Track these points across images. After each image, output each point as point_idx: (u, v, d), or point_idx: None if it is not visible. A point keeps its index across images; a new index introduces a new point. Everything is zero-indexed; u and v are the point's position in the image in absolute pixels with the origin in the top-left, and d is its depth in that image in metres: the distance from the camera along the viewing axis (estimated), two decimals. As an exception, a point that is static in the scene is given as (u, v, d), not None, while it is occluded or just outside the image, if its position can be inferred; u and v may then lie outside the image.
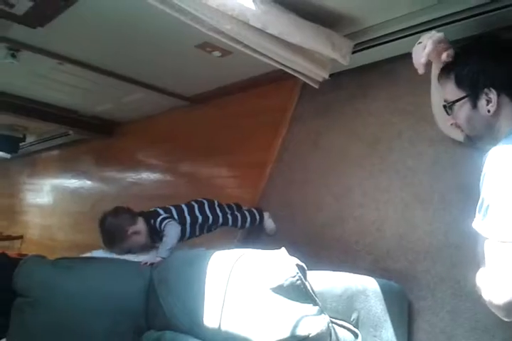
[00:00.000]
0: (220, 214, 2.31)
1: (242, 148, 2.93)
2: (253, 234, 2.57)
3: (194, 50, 2.43)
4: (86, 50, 2.67)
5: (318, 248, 2.22)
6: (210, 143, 3.29)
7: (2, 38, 2.44)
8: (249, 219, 2.42)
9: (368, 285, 1.70)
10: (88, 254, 2.11)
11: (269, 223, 2.49)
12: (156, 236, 2.13)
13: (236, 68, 2.67)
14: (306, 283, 1.36)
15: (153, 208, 2.23)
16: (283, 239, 2.41)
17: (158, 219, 2.11)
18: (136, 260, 2.03)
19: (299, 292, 1.33)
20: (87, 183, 4.83)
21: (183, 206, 2.24)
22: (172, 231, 2.06)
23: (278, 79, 2.66)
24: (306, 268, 1.43)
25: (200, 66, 2.71)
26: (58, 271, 1.82)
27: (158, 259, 1.96)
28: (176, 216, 2.18)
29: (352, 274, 1.72)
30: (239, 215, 2.39)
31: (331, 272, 1.70)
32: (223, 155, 3.10)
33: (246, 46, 1.88)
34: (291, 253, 2.27)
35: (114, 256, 2.05)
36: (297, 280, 1.33)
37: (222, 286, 1.46)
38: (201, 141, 3.39)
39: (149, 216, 2.14)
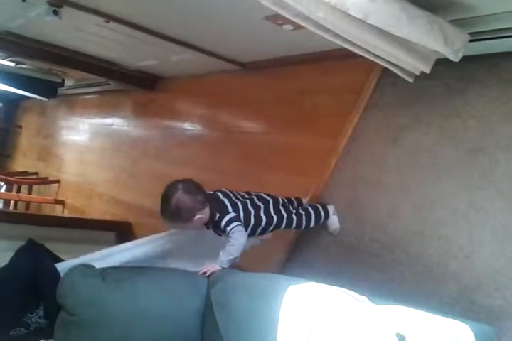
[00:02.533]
0: (284, 216, 2.03)
1: (303, 129, 2.62)
2: (311, 233, 2.32)
3: (261, 21, 2.12)
4: (136, 10, 2.42)
5: (390, 262, 1.97)
6: (263, 115, 2.98)
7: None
8: (313, 218, 2.12)
9: (460, 335, 1.45)
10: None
11: (333, 221, 2.21)
12: (215, 229, 1.90)
13: (305, 41, 2.33)
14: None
15: (218, 193, 1.94)
16: (346, 244, 2.16)
17: (225, 220, 1.84)
18: (191, 267, 1.84)
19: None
20: (126, 136, 4.61)
21: (249, 206, 1.95)
22: (240, 240, 1.81)
23: (352, 56, 2.29)
24: (405, 336, 1.18)
25: (264, 36, 2.42)
26: (107, 286, 1.62)
27: (218, 268, 1.76)
28: (242, 216, 1.89)
29: (444, 319, 1.47)
30: (303, 214, 2.10)
31: (420, 314, 1.46)
32: (280, 132, 2.80)
33: (336, 35, 1.55)
34: (355, 263, 2.11)
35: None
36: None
37: (299, 343, 1.24)
38: (253, 110, 3.09)
39: (216, 206, 1.87)
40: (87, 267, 1.69)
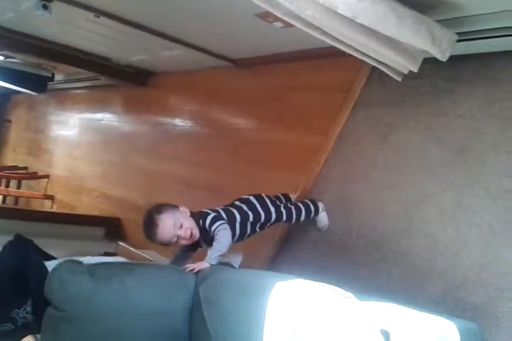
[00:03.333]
0: (272, 210, 2.04)
1: (293, 126, 2.62)
2: (300, 229, 2.33)
3: (253, 18, 2.12)
4: (127, 5, 2.41)
5: (378, 259, 1.99)
6: (253, 111, 2.99)
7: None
8: (303, 212, 2.14)
9: (446, 332, 1.47)
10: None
11: (322, 217, 2.23)
12: (204, 237, 1.90)
13: (295, 39, 2.34)
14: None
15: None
16: (334, 240, 2.18)
17: (208, 219, 1.86)
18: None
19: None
20: (116, 131, 4.59)
21: (230, 208, 1.99)
22: (225, 236, 1.82)
23: (342, 54, 2.30)
24: (389, 333, 1.20)
25: (255, 33, 2.43)
26: (95, 282, 1.60)
27: (207, 265, 1.76)
28: (223, 214, 1.93)
29: (430, 316, 1.48)
30: (293, 208, 2.11)
31: (406, 311, 1.47)
32: (270, 129, 2.80)
33: (324, 33, 1.55)
34: (343, 259, 2.13)
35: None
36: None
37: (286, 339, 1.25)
38: (243, 107, 3.10)
39: (198, 216, 1.90)
40: (75, 263, 1.68)
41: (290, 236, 2.38)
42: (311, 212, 2.17)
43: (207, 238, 1.88)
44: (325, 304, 1.29)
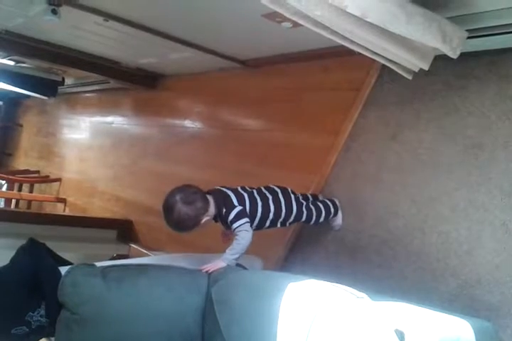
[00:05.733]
0: (294, 208, 2.00)
1: (304, 126, 2.61)
2: (312, 229, 2.32)
3: (260, 18, 2.11)
4: (135, 9, 2.42)
5: (390, 258, 1.98)
6: (263, 112, 2.98)
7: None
8: (323, 213, 2.11)
9: (461, 332, 1.46)
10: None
11: (339, 217, 2.21)
12: (222, 222, 1.88)
13: (304, 39, 2.33)
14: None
15: (224, 188, 1.93)
16: (347, 240, 2.17)
17: (232, 215, 1.81)
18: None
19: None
20: (127, 134, 4.61)
21: (256, 195, 1.93)
22: (245, 238, 1.79)
23: (351, 53, 2.29)
24: (404, 333, 1.19)
25: (263, 34, 2.42)
26: (108, 285, 1.61)
27: (223, 265, 1.74)
28: (248, 207, 1.87)
29: (445, 316, 1.47)
30: (313, 209, 2.08)
31: (420, 311, 1.46)
32: (280, 129, 2.79)
33: (334, 33, 1.54)
34: (355, 259, 2.11)
35: None
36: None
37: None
38: (253, 108, 3.09)
39: (221, 201, 1.85)
40: (88, 266, 1.69)
41: (302, 236, 2.37)
42: (330, 213, 2.15)
43: (224, 223, 1.86)
44: (338, 305, 1.28)
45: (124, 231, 3.89)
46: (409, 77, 1.80)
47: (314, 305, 1.29)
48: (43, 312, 1.58)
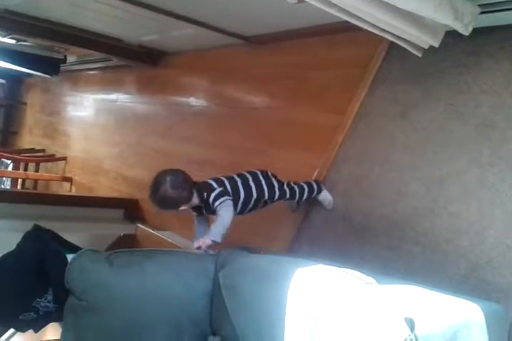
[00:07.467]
0: (276, 185, 2.07)
1: (310, 104, 2.56)
2: (318, 211, 2.30)
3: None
4: None
5: (399, 239, 1.95)
6: (268, 90, 2.92)
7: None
8: (306, 189, 2.16)
9: (471, 315, 1.44)
10: None
11: (325, 195, 2.25)
12: (206, 209, 1.97)
13: (310, 14, 2.24)
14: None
15: (208, 179, 2.00)
16: (355, 221, 2.14)
17: (212, 195, 1.89)
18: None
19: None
20: (131, 112, 4.57)
21: (236, 178, 2.02)
22: (228, 212, 1.85)
23: (359, 28, 2.23)
24: (414, 321, 1.17)
25: (267, 9, 2.36)
26: (115, 271, 1.61)
27: (209, 242, 1.78)
28: (229, 188, 1.95)
29: (455, 299, 1.45)
30: (295, 186, 2.14)
31: (430, 294, 1.44)
32: (286, 108, 2.74)
33: (342, 10, 1.49)
34: (363, 240, 2.10)
35: None
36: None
37: (308, 328, 1.23)
38: (257, 85, 3.03)
39: (202, 188, 1.93)
40: (94, 252, 1.68)
41: (310, 217, 2.35)
42: (313, 189, 2.20)
43: (208, 210, 1.95)
44: (347, 291, 1.26)
45: (130, 210, 3.89)
46: (419, 54, 1.75)
47: (322, 292, 1.28)
48: (50, 297, 1.59)
